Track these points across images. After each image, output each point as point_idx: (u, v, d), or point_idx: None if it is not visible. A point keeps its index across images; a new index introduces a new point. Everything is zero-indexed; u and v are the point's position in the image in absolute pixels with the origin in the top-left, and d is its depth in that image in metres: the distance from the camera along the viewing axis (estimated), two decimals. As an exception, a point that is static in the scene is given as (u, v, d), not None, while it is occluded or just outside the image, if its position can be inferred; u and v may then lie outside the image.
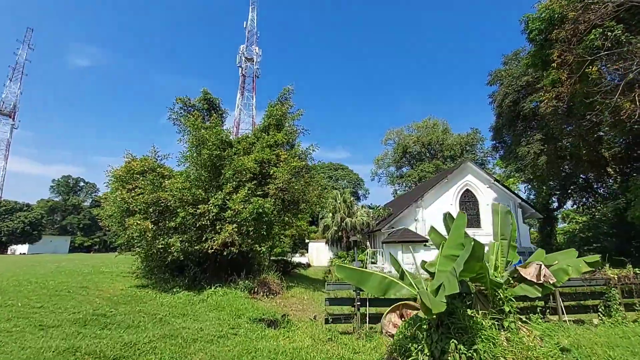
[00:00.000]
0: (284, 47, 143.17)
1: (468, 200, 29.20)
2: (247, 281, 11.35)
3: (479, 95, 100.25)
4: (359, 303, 7.02)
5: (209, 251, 10.74)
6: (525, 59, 17.09)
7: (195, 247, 10.88)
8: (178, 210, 10.99)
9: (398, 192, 60.17)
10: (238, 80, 65.29)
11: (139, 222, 10.53)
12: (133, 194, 11.58)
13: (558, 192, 33.38)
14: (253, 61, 68.14)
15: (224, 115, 16.58)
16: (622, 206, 19.00)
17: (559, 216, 35.25)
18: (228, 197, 11.63)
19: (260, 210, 11.32)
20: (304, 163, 13.41)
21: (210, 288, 10.93)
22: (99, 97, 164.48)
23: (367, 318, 7.04)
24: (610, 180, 22.25)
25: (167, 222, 11.29)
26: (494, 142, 27.51)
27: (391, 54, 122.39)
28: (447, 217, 6.03)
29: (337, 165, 65.70)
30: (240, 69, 66.12)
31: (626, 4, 10.83)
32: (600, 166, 21.08)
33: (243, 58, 66.91)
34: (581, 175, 24.02)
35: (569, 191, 26.57)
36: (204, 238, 11.03)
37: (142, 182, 11.79)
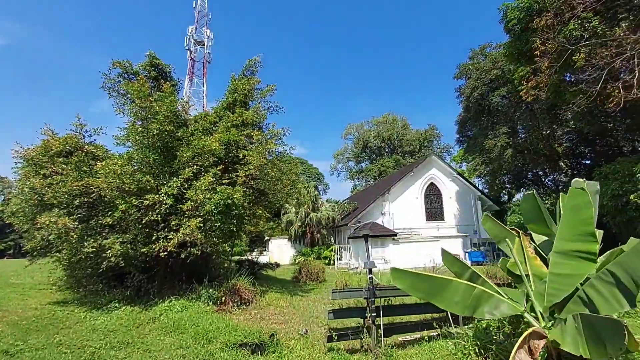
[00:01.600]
0: (238, 34, 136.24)
1: (432, 194, 29.66)
2: (211, 289, 9.22)
3: (439, 90, 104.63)
4: (374, 314, 5.53)
5: (161, 254, 8.40)
6: (503, 50, 17.15)
7: (142, 250, 8.45)
8: (116, 202, 8.43)
9: (358, 187, 60.46)
10: (187, 65, 59.74)
11: (55, 219, 7.82)
12: (50, 182, 8.71)
13: (508, 186, 35.70)
14: (204, 45, 62.89)
15: (176, 86, 13.89)
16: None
17: (509, 208, 37.87)
18: (187, 186, 9.34)
19: (229, 202, 9.26)
20: (279, 146, 11.51)
21: (163, 302, 8.62)
22: (17, 80, 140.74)
23: (382, 331, 5.58)
24: (562, 175, 23.89)
25: (101, 217, 8.68)
26: (459, 135, 28.10)
27: (352, 48, 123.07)
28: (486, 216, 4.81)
29: (296, 159, 63.92)
30: (188, 52, 60.45)
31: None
32: (553, 160, 22.43)
33: (192, 41, 61.21)
34: (531, 170, 25.54)
35: (522, 183, 28.21)
36: (153, 237, 8.63)
37: (65, 166, 8.97)
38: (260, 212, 11.46)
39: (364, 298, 5.83)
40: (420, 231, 27.76)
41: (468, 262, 24.96)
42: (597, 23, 11.08)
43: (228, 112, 12.74)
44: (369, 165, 60.34)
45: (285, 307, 9.60)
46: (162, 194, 8.83)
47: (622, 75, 10.67)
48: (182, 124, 11.50)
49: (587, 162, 26.18)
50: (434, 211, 29.41)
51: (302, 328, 7.17)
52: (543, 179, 27.25)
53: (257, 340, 5.75)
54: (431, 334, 6.01)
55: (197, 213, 8.97)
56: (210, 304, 8.85)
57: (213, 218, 9.18)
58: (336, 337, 5.70)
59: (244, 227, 11.20)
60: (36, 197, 8.70)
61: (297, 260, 29.66)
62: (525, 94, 13.55)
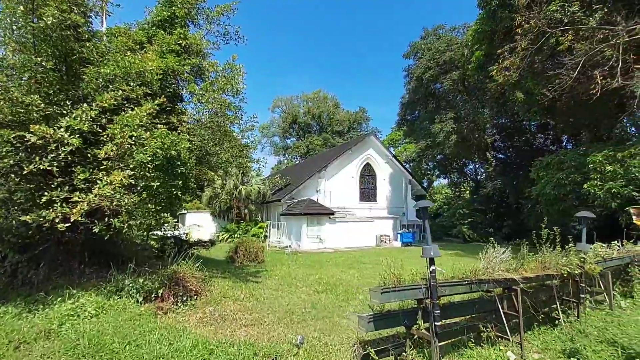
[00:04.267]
0: None
1: (368, 174, 29.94)
2: (140, 279, 6.43)
3: (369, 76, 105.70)
4: (437, 322, 4.04)
5: (59, 226, 5.24)
6: (475, 25, 17.22)
7: (23, 218, 5.13)
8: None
9: (282, 163, 58.50)
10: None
11: None
12: None
13: (430, 172, 39.10)
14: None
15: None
16: (500, 186, 23.11)
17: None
18: (105, 120, 6.12)
19: (173, 153, 6.48)
20: (242, 87, 8.73)
21: (63, 299, 5.54)
22: None
23: (435, 335, 4.17)
24: (485, 165, 26.76)
25: None
26: (400, 118, 28.64)
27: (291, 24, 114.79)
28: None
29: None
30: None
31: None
32: (482, 150, 24.83)
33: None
34: (463, 158, 28.01)
35: (447, 170, 30.87)
36: (44, 199, 5.33)
37: None
38: (211, 174, 8.73)
39: (417, 299, 4.32)
40: (354, 211, 27.83)
41: (399, 243, 26.49)
42: (577, 8, 11.53)
43: (161, 32, 9.27)
44: (296, 142, 58.77)
45: (246, 300, 7.48)
46: (62, 129, 5.50)
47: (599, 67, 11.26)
48: (90, 35, 7.74)
49: (501, 156, 30.12)
50: (367, 192, 29.81)
51: (295, 335, 5.32)
52: (463, 168, 30.54)
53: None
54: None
55: (122, 164, 5.95)
56: (141, 299, 6.13)
57: (149, 174, 6.28)
58: (374, 353, 4.05)
59: (190, 190, 8.34)
60: None
61: (220, 237, 26.68)
62: (498, 74, 13.78)
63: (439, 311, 4.13)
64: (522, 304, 5.09)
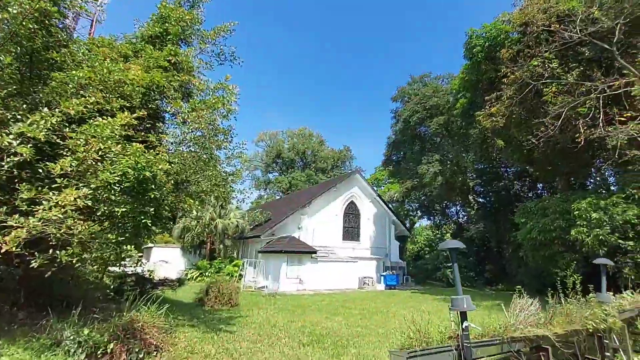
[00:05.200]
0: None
1: (352, 213, 29.29)
2: (86, 330, 5.10)
3: (352, 117, 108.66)
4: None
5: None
6: (461, 73, 18.03)
7: None
8: None
9: (263, 197, 57.07)
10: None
11: None
12: None
13: (412, 214, 39.01)
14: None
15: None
16: (482, 229, 23.02)
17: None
18: (69, 130, 5.17)
19: (148, 174, 5.55)
20: (235, 108, 8.05)
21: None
22: None
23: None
24: (468, 208, 26.92)
25: None
26: (386, 157, 28.88)
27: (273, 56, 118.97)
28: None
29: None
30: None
31: (569, 42, 12.12)
32: (465, 193, 25.06)
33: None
34: (446, 200, 28.13)
35: (430, 212, 30.81)
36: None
37: None
38: (190, 202, 7.68)
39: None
40: (337, 250, 26.69)
41: (382, 286, 25.22)
42: (556, 65, 12.21)
43: (150, 47, 8.69)
44: (278, 177, 58.05)
45: (218, 356, 6.17)
46: (12, 135, 4.51)
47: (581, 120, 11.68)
48: (67, 36, 7.03)
49: (481, 199, 30.59)
50: (351, 231, 28.95)
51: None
52: (446, 210, 30.67)
53: None
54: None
55: (85, 180, 4.94)
56: (83, 357, 4.79)
57: (114, 197, 5.25)
58: None
59: (162, 220, 7.20)
60: None
61: (189, 276, 24.42)
62: (485, 119, 14.09)
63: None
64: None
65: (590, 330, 5.30)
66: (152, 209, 5.88)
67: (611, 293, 7.20)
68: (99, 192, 5.15)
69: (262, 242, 24.39)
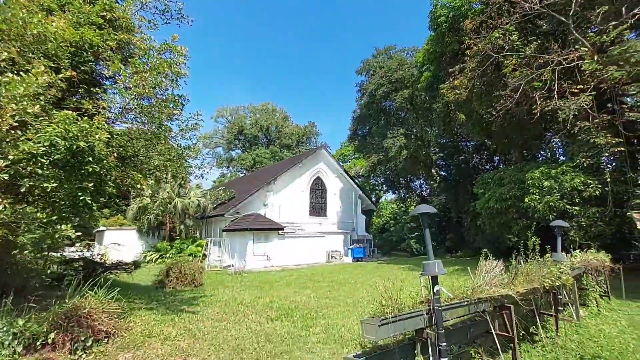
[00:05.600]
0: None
1: (318, 188, 29.26)
2: (21, 320, 4.47)
3: (317, 91, 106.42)
4: (445, 358, 3.09)
5: None
6: (426, 45, 17.87)
7: None
8: None
9: (227, 175, 55.25)
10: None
11: None
12: None
13: (378, 188, 39.94)
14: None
15: None
16: (444, 201, 24.07)
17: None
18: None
19: (82, 145, 4.81)
20: (184, 72, 7.21)
21: None
22: None
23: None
24: (431, 181, 27.92)
25: None
26: (351, 132, 28.74)
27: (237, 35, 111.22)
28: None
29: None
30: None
31: (529, 14, 12.32)
32: (428, 167, 25.89)
33: None
34: (410, 174, 28.93)
35: (395, 186, 31.65)
36: None
37: None
38: (139, 178, 6.90)
39: (416, 330, 3.33)
40: (304, 226, 26.74)
41: (350, 258, 25.87)
42: (516, 38, 12.43)
43: (78, 0, 7.45)
44: (241, 154, 56.22)
45: (180, 337, 5.81)
46: None
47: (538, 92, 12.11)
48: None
49: (443, 173, 31.89)
50: (318, 206, 29.02)
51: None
52: (410, 184, 31.70)
53: None
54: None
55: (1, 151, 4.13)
56: (20, 349, 4.21)
57: (41, 171, 4.49)
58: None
59: (107, 198, 6.39)
60: None
61: (148, 258, 23.25)
62: (448, 92, 14.23)
63: (445, 344, 3.20)
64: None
65: (547, 288, 5.64)
66: (91, 185, 5.15)
67: (564, 253, 7.76)
68: (21, 165, 4.37)
69: (227, 221, 23.72)
